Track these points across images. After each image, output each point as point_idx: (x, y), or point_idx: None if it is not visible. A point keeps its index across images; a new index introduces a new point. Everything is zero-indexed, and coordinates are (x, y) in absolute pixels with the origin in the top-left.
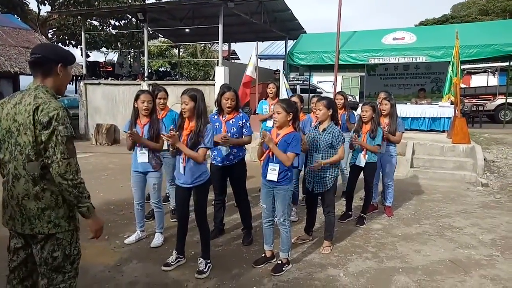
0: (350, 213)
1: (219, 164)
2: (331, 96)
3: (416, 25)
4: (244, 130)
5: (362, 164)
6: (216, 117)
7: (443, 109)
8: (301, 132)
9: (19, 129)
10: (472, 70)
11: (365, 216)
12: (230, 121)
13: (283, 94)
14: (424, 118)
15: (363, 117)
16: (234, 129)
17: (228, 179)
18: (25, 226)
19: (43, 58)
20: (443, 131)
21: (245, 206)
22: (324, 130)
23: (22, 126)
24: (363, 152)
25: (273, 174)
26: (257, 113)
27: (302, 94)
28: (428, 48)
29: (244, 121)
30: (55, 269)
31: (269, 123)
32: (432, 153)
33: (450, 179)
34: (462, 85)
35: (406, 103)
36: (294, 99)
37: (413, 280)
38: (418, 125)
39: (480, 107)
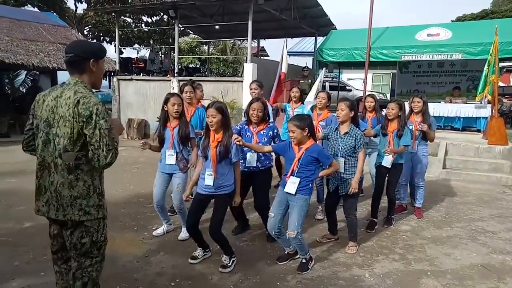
0: (376, 220)
1: (245, 170)
2: (361, 93)
3: (453, 21)
4: (276, 139)
5: (389, 165)
6: (246, 127)
7: (480, 108)
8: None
9: (59, 121)
10: None
11: (393, 217)
12: (262, 132)
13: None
14: (459, 117)
15: (389, 115)
16: (265, 139)
17: (251, 186)
18: (59, 212)
19: (76, 56)
20: (479, 131)
21: (264, 211)
22: (346, 133)
23: (62, 118)
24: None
25: (292, 187)
26: (283, 111)
27: (330, 92)
28: (464, 45)
29: (275, 132)
30: (84, 254)
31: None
32: (466, 154)
33: (485, 181)
34: (501, 84)
35: (440, 102)
36: (322, 95)
37: (442, 284)
38: (452, 124)
39: None
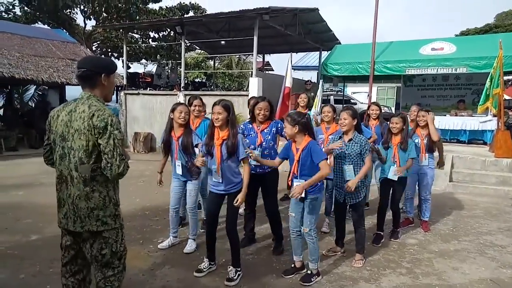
0: (381, 233)
1: (252, 172)
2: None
3: (456, 35)
4: (283, 132)
5: (395, 178)
6: (250, 126)
7: (485, 122)
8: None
9: (74, 135)
10: None
11: (399, 230)
12: (265, 130)
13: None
14: (465, 130)
15: (393, 129)
16: (269, 137)
17: (260, 188)
18: (77, 224)
19: (88, 71)
20: (485, 144)
21: (275, 216)
22: (350, 140)
23: (77, 132)
24: (396, 165)
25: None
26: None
27: (335, 105)
28: (469, 59)
29: (280, 126)
30: (105, 265)
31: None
32: (473, 167)
33: (492, 194)
34: (506, 97)
35: (445, 115)
36: (327, 108)
37: None
38: (458, 137)
39: None
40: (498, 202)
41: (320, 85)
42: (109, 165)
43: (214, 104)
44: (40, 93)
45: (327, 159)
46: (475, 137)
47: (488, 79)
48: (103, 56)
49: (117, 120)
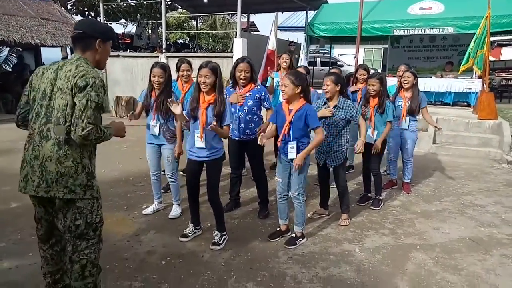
0: (369, 194)
1: (236, 138)
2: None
3: None
4: (264, 103)
5: (372, 141)
6: (231, 90)
7: (470, 83)
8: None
9: (56, 93)
10: (504, 42)
11: (380, 198)
12: (247, 94)
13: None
14: (450, 92)
15: (370, 91)
16: (251, 102)
17: (246, 153)
18: (40, 188)
19: (83, 33)
20: (469, 106)
21: (262, 180)
22: (335, 106)
23: (60, 90)
24: (371, 128)
25: (292, 152)
26: (267, 86)
27: (322, 67)
28: (456, 19)
29: (263, 94)
30: (79, 236)
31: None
32: (456, 129)
33: (474, 156)
34: (492, 58)
35: (431, 77)
36: (300, 70)
37: (431, 257)
38: (442, 99)
39: (510, 81)
40: (479, 163)
41: (302, 47)
42: (75, 124)
43: (201, 67)
44: (18, 55)
45: (321, 125)
46: (459, 99)
47: (473, 39)
48: (79, 15)
49: (101, 84)
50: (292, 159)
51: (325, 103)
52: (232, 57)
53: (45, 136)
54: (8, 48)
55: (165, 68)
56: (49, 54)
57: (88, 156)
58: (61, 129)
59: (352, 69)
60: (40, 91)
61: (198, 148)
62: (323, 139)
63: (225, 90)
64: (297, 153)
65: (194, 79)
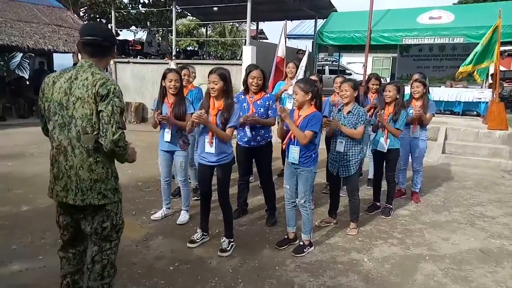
0: (378, 204)
1: (246, 145)
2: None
3: (454, 4)
4: (269, 111)
5: (384, 150)
6: (243, 97)
7: (480, 93)
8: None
9: (75, 103)
10: None
11: (391, 207)
12: (258, 102)
13: (299, 76)
14: (459, 102)
15: (386, 97)
16: (262, 110)
17: (254, 160)
18: (77, 197)
19: (101, 40)
20: (479, 115)
21: (269, 187)
22: (349, 112)
23: (80, 100)
24: (384, 136)
25: (294, 156)
26: (274, 94)
27: (330, 75)
28: (466, 28)
29: (270, 102)
30: (104, 238)
31: (289, 105)
32: (466, 139)
33: (484, 166)
34: (502, 68)
35: (440, 86)
36: (312, 78)
37: (440, 268)
38: (452, 108)
39: None
40: (489, 174)
41: (305, 57)
42: (104, 130)
43: (210, 73)
44: (38, 61)
45: (316, 133)
46: (469, 109)
47: (479, 46)
48: (90, 22)
49: (119, 89)
50: (293, 163)
51: (339, 109)
52: (241, 65)
53: (73, 145)
54: (21, 54)
55: (179, 73)
56: (61, 60)
57: (113, 161)
58: (89, 138)
59: (360, 78)
60: (54, 101)
61: (207, 153)
62: (303, 143)
63: (235, 96)
64: (299, 159)
65: (195, 84)
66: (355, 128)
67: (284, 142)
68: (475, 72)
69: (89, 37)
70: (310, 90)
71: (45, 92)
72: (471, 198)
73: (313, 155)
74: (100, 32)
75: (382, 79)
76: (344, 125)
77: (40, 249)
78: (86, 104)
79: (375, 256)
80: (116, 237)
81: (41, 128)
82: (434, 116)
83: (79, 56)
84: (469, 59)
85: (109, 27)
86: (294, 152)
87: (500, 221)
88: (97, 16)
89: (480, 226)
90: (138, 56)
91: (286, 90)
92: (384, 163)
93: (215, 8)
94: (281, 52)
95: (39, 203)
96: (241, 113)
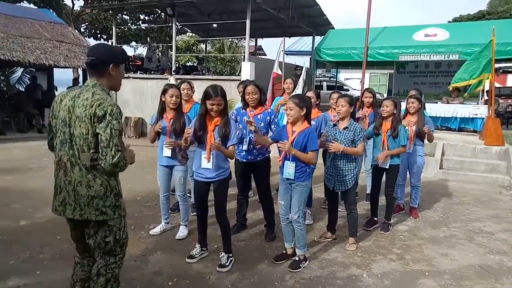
0: (375, 219)
1: (243, 160)
2: (358, 93)
3: (449, 21)
4: (272, 126)
5: (386, 166)
6: (243, 111)
7: (476, 109)
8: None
9: (75, 121)
10: (509, 69)
11: (390, 222)
12: (259, 116)
13: (298, 91)
14: (456, 117)
15: (383, 112)
16: (262, 124)
17: (252, 175)
18: (76, 212)
19: (96, 60)
20: (475, 132)
21: (268, 202)
22: (345, 128)
23: (78, 119)
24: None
25: (289, 171)
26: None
27: (328, 91)
28: (461, 45)
29: (272, 117)
30: (107, 252)
31: (285, 121)
32: (463, 154)
33: (481, 182)
34: (497, 84)
35: (437, 102)
36: (310, 94)
37: (440, 284)
38: (448, 124)
39: None
40: (487, 190)
41: (303, 72)
42: (104, 154)
43: (213, 95)
44: (31, 75)
45: (318, 150)
46: (465, 125)
47: (471, 61)
48: (91, 38)
49: (118, 111)
50: (288, 178)
51: (334, 125)
52: (239, 80)
53: (72, 162)
54: (22, 69)
55: (179, 88)
56: (61, 75)
57: (114, 177)
58: (86, 156)
59: (358, 94)
60: (60, 118)
61: (204, 168)
62: (313, 163)
63: (235, 110)
64: (295, 175)
65: (195, 99)
66: (353, 143)
67: (280, 159)
68: (470, 88)
69: (88, 58)
70: (305, 105)
71: (54, 109)
72: (470, 214)
73: (307, 170)
74: (97, 51)
75: (378, 95)
76: (340, 141)
77: (38, 264)
78: (83, 124)
79: (374, 271)
80: (121, 251)
81: (47, 142)
82: (433, 132)
83: (79, 71)
84: (459, 75)
85: (110, 42)
86: (290, 168)
87: (499, 237)
88: (98, 32)
89: (479, 241)
90: (138, 71)
91: (281, 104)
92: (385, 179)
93: (215, 25)
94: (276, 69)
95: (37, 218)
96: (241, 126)
